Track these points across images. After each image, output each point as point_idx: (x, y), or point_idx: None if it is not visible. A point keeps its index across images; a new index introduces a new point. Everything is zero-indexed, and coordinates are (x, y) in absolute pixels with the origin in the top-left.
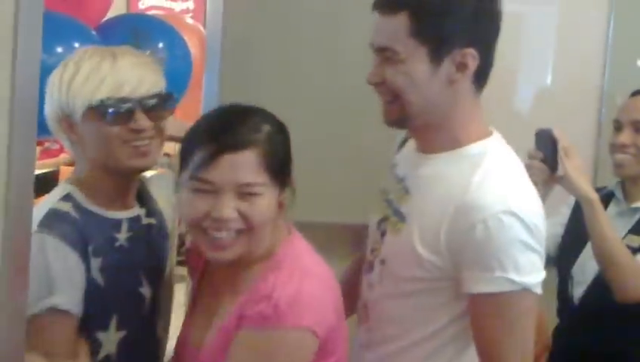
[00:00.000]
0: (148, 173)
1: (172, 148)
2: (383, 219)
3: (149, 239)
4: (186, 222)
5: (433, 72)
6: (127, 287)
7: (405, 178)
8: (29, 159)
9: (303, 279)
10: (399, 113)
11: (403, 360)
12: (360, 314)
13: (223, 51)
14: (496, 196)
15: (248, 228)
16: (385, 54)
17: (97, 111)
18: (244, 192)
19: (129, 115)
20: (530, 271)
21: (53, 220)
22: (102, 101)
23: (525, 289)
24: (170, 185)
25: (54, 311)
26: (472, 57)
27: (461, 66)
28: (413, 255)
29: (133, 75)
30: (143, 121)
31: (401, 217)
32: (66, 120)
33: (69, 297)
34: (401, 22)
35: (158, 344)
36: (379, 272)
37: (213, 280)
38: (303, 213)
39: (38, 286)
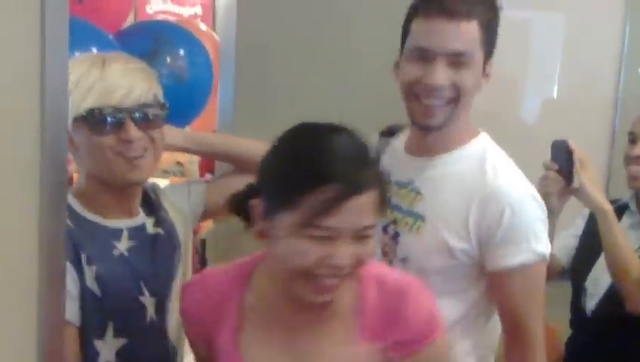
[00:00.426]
0: (162, 183)
1: (184, 155)
2: (391, 223)
3: (155, 248)
4: (289, 268)
5: (481, 79)
6: (126, 296)
7: (412, 182)
8: (61, 166)
9: (410, 286)
10: (448, 115)
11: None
12: None
13: (237, 58)
14: (513, 184)
15: (358, 268)
16: (458, 58)
17: (85, 120)
18: (361, 235)
19: (118, 124)
20: (545, 243)
21: None
22: (89, 110)
23: (543, 259)
24: (183, 195)
25: None
26: (490, 67)
27: (486, 75)
28: (443, 247)
29: (122, 82)
30: (132, 130)
31: (418, 217)
32: None
33: (69, 308)
34: (474, 29)
35: (171, 352)
36: (400, 271)
37: (270, 321)
38: None
39: None
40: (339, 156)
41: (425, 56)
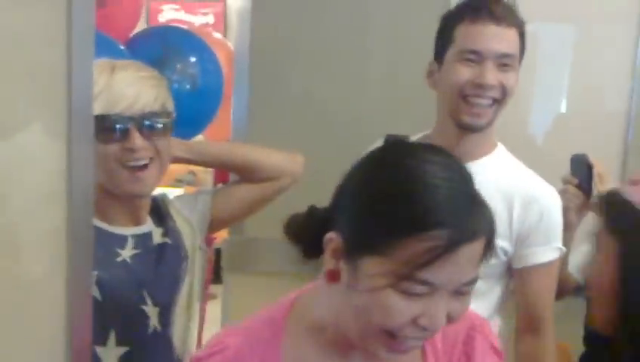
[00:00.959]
0: (175, 192)
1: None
2: None
3: (161, 258)
4: (369, 324)
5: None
6: (128, 304)
7: None
8: (88, 170)
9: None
10: (493, 116)
11: None
12: None
13: (251, 65)
14: (546, 187)
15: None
16: (505, 60)
17: None
18: (460, 291)
19: (123, 133)
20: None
21: None
22: (94, 118)
23: (561, 255)
24: (190, 205)
25: None
26: None
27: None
28: None
29: (129, 91)
30: (137, 139)
31: None
32: None
33: None
34: (515, 35)
35: (177, 360)
36: None
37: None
38: None
39: None
40: (449, 193)
41: (475, 59)
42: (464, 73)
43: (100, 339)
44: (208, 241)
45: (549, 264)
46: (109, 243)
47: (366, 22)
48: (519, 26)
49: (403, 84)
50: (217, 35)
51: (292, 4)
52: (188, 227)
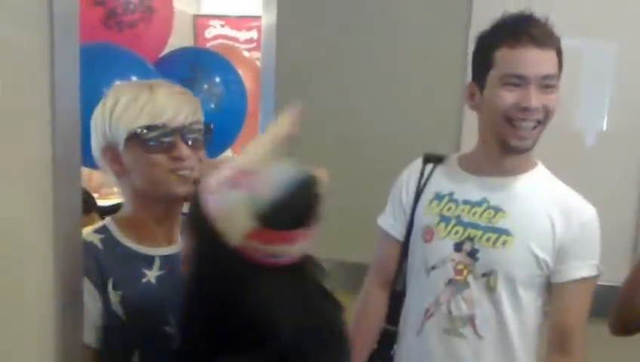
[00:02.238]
0: None
1: None
2: (465, 240)
3: None
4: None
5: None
6: (151, 324)
7: (486, 200)
8: (74, 180)
9: None
10: (537, 136)
11: (522, 344)
12: (450, 327)
13: (277, 84)
14: (584, 203)
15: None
16: (547, 82)
17: (139, 139)
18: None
19: (170, 143)
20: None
21: None
22: (143, 128)
23: (599, 274)
24: None
25: None
26: None
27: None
28: (533, 258)
29: (171, 104)
30: (184, 149)
31: (503, 232)
32: (110, 149)
33: (85, 328)
34: (554, 55)
35: None
36: (483, 284)
37: None
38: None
39: None
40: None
41: (518, 83)
42: (508, 97)
43: (124, 359)
44: None
45: (584, 281)
46: (136, 263)
47: (393, 38)
48: (557, 46)
49: (431, 100)
50: (246, 54)
51: (318, 21)
52: None
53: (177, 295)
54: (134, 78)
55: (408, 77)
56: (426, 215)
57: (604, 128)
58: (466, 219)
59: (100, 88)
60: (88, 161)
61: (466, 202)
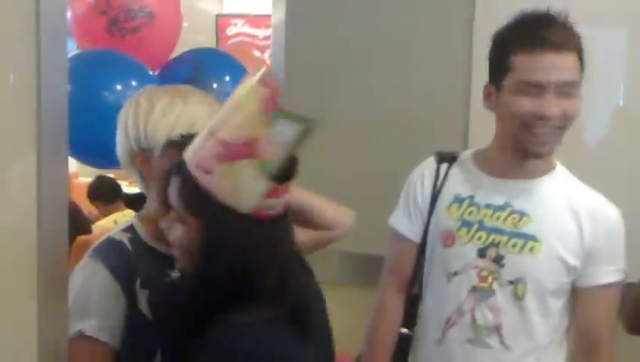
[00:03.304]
0: None
1: None
2: (490, 246)
3: None
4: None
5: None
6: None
7: (509, 204)
8: (60, 180)
9: None
10: (557, 141)
11: (551, 356)
12: (474, 337)
13: (287, 81)
14: (610, 205)
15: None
16: (567, 89)
17: (176, 145)
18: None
19: None
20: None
21: (105, 248)
22: (181, 136)
23: (625, 278)
24: None
25: (81, 336)
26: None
27: (581, 98)
28: (562, 264)
29: (204, 113)
30: None
31: (529, 237)
32: (142, 155)
33: (99, 325)
34: (575, 59)
35: None
36: (510, 292)
37: None
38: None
39: (76, 310)
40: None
41: (536, 90)
42: (525, 105)
43: (148, 358)
44: None
45: (611, 286)
46: (160, 263)
47: (404, 39)
48: (578, 47)
49: (442, 101)
50: (256, 53)
51: (327, 18)
52: None
53: None
54: (134, 83)
55: (418, 73)
56: (446, 219)
57: (617, 118)
58: (489, 224)
59: (100, 93)
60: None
61: (488, 206)
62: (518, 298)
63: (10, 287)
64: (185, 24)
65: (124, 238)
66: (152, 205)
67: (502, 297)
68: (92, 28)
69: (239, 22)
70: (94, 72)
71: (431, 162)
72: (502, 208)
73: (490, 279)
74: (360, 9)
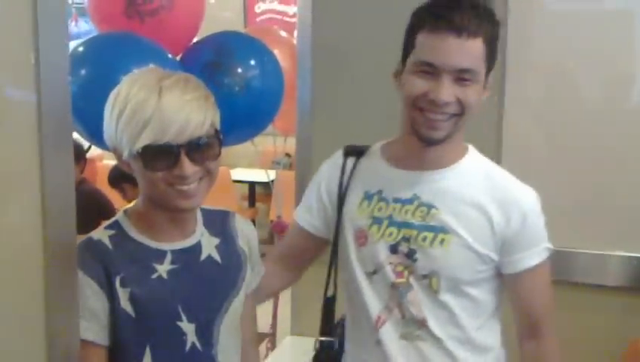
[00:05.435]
0: (272, 174)
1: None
2: (401, 241)
3: (204, 273)
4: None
5: (482, 93)
6: (162, 320)
7: (417, 197)
8: (65, 170)
9: None
10: (451, 129)
11: (484, 334)
12: (406, 331)
13: (314, 62)
14: (523, 188)
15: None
16: (464, 75)
17: (140, 156)
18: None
19: (173, 160)
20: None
21: (80, 249)
22: (144, 148)
23: (550, 252)
24: (245, 238)
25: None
26: (489, 80)
27: (487, 89)
28: (474, 254)
29: (178, 117)
30: (187, 166)
31: (439, 230)
32: (116, 152)
33: (84, 325)
34: (479, 46)
35: None
36: (426, 286)
37: None
38: None
39: None
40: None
41: (431, 72)
42: (418, 86)
43: (136, 356)
44: (279, 230)
45: (538, 266)
46: (146, 258)
47: None
48: (487, 35)
49: None
50: (283, 34)
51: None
52: (247, 248)
53: (191, 289)
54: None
55: None
56: (358, 217)
57: None
58: (398, 218)
59: (118, 77)
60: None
61: (396, 200)
62: (434, 291)
63: (16, 289)
64: (211, 0)
65: (104, 236)
66: (140, 198)
67: (420, 291)
68: (109, 10)
69: None
70: (111, 54)
71: (337, 157)
72: (409, 201)
73: (406, 273)
74: None
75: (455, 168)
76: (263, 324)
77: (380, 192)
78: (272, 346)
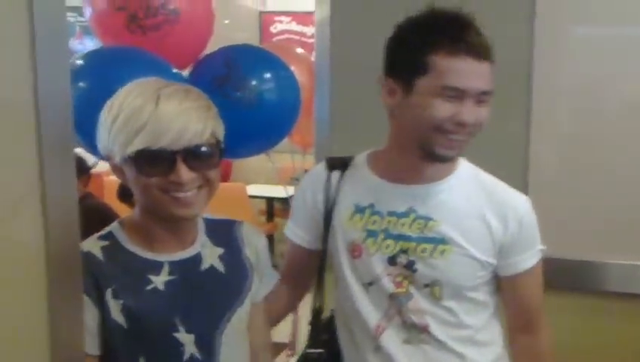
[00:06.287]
0: (291, 190)
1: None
2: (399, 253)
3: (204, 283)
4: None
5: None
6: (157, 331)
7: (413, 210)
8: (67, 182)
9: None
10: (464, 148)
11: (480, 338)
12: (410, 336)
13: (332, 77)
14: (516, 194)
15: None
16: (483, 97)
17: (134, 161)
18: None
19: (168, 166)
20: None
21: None
22: (138, 152)
23: (543, 253)
24: (254, 249)
25: None
26: None
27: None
28: (475, 262)
29: (174, 125)
30: (183, 172)
31: (438, 241)
32: (109, 158)
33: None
34: (490, 69)
35: None
36: (428, 294)
37: None
38: None
39: None
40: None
41: (455, 95)
42: (444, 110)
43: None
44: None
45: (533, 268)
46: (140, 270)
47: None
48: (492, 58)
49: (502, 98)
50: (299, 50)
51: (372, 14)
52: (254, 258)
53: (190, 300)
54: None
55: None
56: (350, 230)
57: None
58: (394, 231)
59: (118, 90)
60: None
61: (391, 213)
62: (437, 298)
63: (20, 301)
64: (226, 21)
65: (95, 248)
66: (137, 208)
67: (422, 299)
68: (111, 24)
69: (285, 19)
70: (111, 67)
71: (320, 170)
72: (405, 215)
73: (405, 283)
74: (410, 5)
75: (450, 180)
76: (284, 334)
77: (372, 206)
78: (293, 353)
